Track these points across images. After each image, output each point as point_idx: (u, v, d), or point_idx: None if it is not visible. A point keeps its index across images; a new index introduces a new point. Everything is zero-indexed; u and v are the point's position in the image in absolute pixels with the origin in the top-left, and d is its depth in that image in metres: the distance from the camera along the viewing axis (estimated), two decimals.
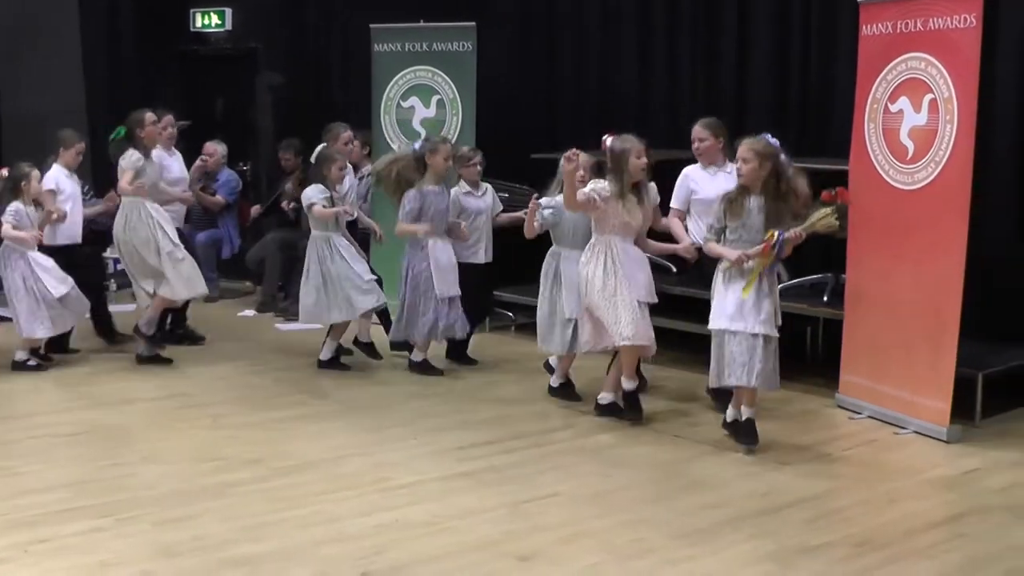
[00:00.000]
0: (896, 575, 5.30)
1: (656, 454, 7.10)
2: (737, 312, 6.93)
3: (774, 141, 7.03)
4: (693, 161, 8.38)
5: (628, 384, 7.63)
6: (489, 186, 9.29)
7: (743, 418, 7.11)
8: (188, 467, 6.75)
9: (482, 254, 9.18)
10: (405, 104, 10.76)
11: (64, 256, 9.12)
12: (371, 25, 10.89)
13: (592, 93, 11.01)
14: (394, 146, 10.66)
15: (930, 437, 7.35)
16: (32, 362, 8.95)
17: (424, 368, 8.88)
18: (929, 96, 7.34)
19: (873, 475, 6.77)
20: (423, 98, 10.68)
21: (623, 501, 6.25)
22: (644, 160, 7.53)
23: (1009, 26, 8.10)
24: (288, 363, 9.41)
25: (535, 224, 7.90)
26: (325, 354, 9.08)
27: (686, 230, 8.25)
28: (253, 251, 11.74)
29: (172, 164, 10.11)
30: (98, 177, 11.87)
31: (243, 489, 6.37)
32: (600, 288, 7.42)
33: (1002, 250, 8.22)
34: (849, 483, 6.63)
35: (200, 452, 7.03)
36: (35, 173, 8.96)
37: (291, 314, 11.02)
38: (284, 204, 11.74)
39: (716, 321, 7.04)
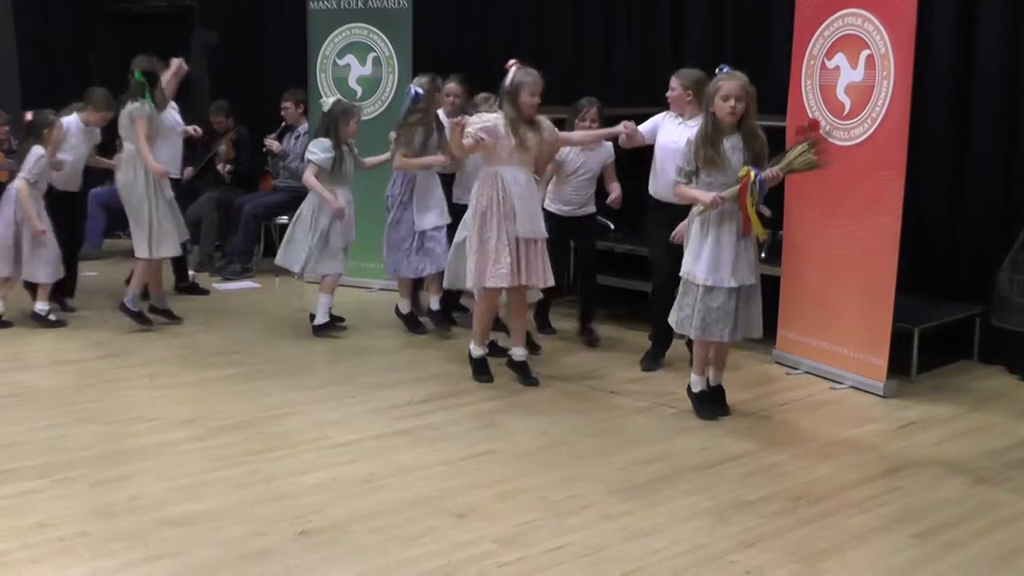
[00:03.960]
0: (830, 528, 5.33)
1: (592, 411, 7.11)
2: (716, 264, 6.64)
3: (743, 76, 6.65)
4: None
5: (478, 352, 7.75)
6: None
7: (694, 390, 7.02)
8: (123, 427, 6.68)
9: None
10: (341, 62, 10.66)
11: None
12: None
13: (527, 46, 10.92)
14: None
15: (867, 392, 7.43)
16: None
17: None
18: (866, 52, 7.35)
19: (809, 430, 6.81)
20: (359, 56, 10.58)
21: (559, 458, 6.26)
22: (536, 99, 7.36)
23: None
24: (225, 322, 9.35)
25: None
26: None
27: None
28: (189, 211, 11.59)
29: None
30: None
31: (179, 449, 6.32)
32: (480, 226, 7.36)
33: (939, 206, 8.28)
34: (785, 438, 6.67)
35: (135, 412, 6.96)
36: (59, 121, 9.00)
37: (228, 273, 10.99)
38: (219, 166, 11.68)
39: (695, 274, 6.71)
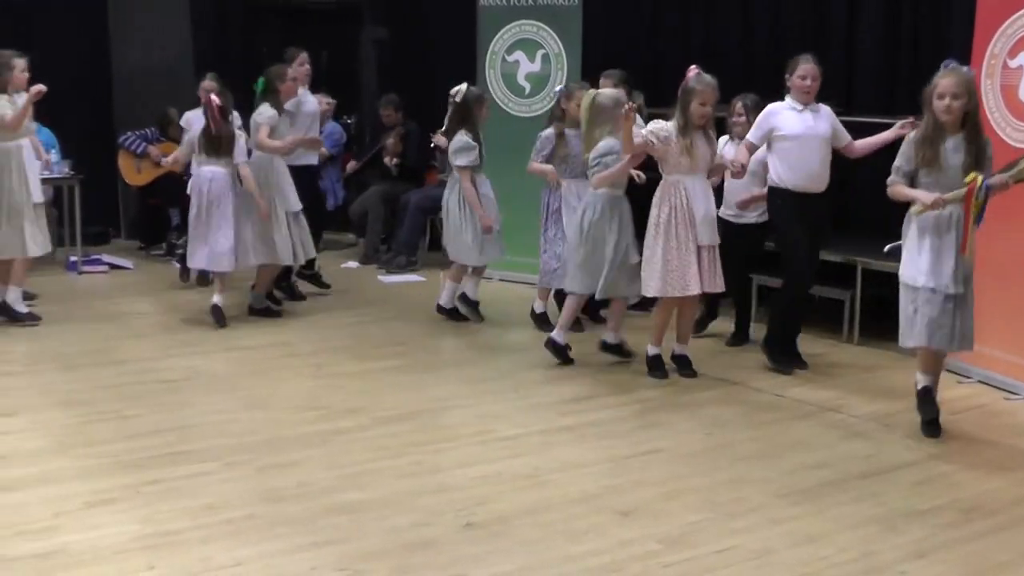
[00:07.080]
0: (1006, 543, 5.18)
1: (757, 413, 7.03)
2: (937, 268, 6.33)
3: (969, 71, 6.43)
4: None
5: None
6: None
7: (919, 386, 6.74)
8: (291, 414, 6.80)
9: None
10: (510, 58, 10.71)
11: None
12: None
13: (697, 46, 10.86)
14: (498, 100, 10.62)
15: None
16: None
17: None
18: None
19: (982, 440, 6.63)
20: (528, 52, 10.62)
21: (725, 459, 6.19)
22: (707, 109, 7.42)
23: None
24: (390, 314, 9.46)
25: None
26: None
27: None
28: (356, 204, 11.81)
29: (308, 99, 10.03)
30: None
31: (345, 437, 6.41)
32: (664, 236, 7.42)
33: None
34: (957, 448, 6.49)
35: (302, 400, 7.08)
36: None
37: (393, 266, 11.11)
38: (386, 159, 11.80)
39: (910, 276, 6.43)
